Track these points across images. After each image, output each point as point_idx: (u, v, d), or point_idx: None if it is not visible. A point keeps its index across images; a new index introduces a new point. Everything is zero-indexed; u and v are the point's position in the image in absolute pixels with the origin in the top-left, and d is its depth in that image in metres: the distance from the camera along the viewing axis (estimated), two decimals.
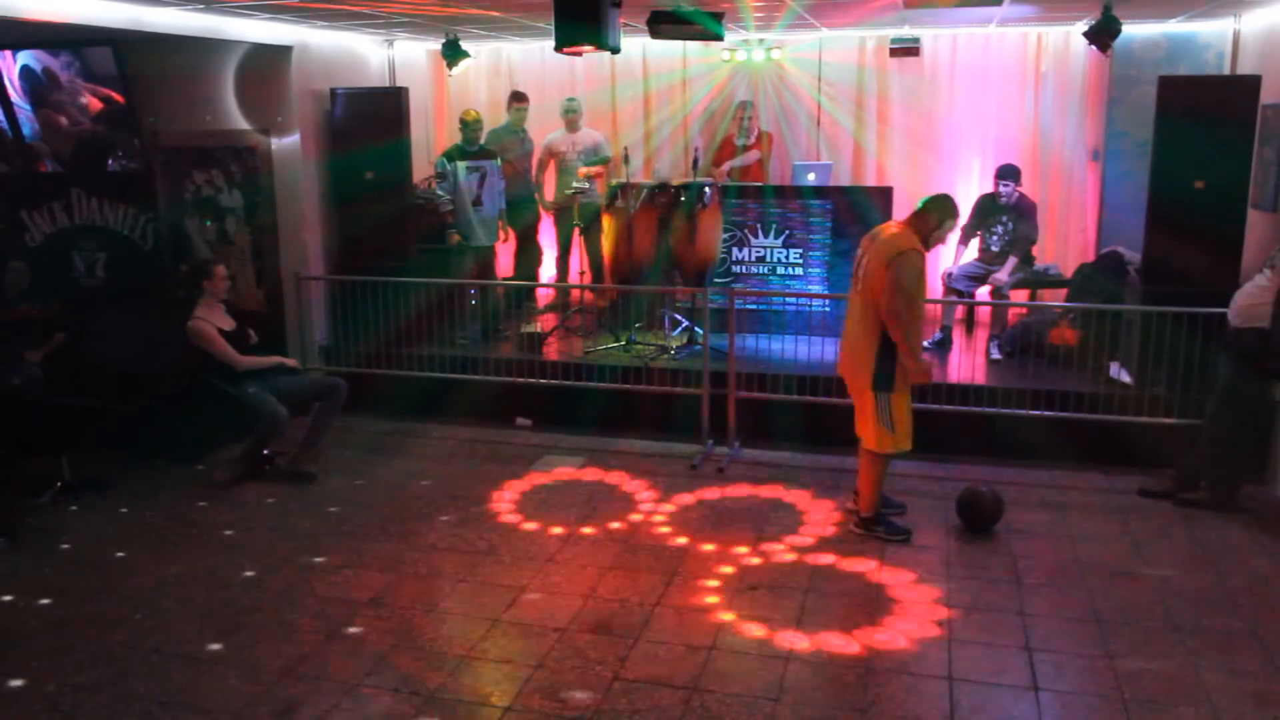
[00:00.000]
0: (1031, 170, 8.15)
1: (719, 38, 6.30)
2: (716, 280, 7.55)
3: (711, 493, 5.79)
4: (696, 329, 7.08)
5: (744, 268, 7.79)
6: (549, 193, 8.64)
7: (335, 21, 6.94)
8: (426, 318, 7.15)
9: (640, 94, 9.15)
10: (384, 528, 5.33)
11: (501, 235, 8.05)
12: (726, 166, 8.26)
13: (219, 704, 3.71)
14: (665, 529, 5.30)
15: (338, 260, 7.64)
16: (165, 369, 6.29)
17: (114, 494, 5.82)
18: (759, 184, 8.01)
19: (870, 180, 8.65)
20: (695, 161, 7.45)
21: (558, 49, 5.31)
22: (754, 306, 7.66)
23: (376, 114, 7.44)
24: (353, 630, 4.24)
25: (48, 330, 6.40)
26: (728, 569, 4.81)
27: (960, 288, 7.43)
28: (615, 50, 5.29)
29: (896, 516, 5.27)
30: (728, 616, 4.34)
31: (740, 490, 5.83)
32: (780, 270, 7.72)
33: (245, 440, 6.04)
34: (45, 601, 4.53)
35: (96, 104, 6.75)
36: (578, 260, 8.44)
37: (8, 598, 4.57)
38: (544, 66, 9.14)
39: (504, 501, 5.69)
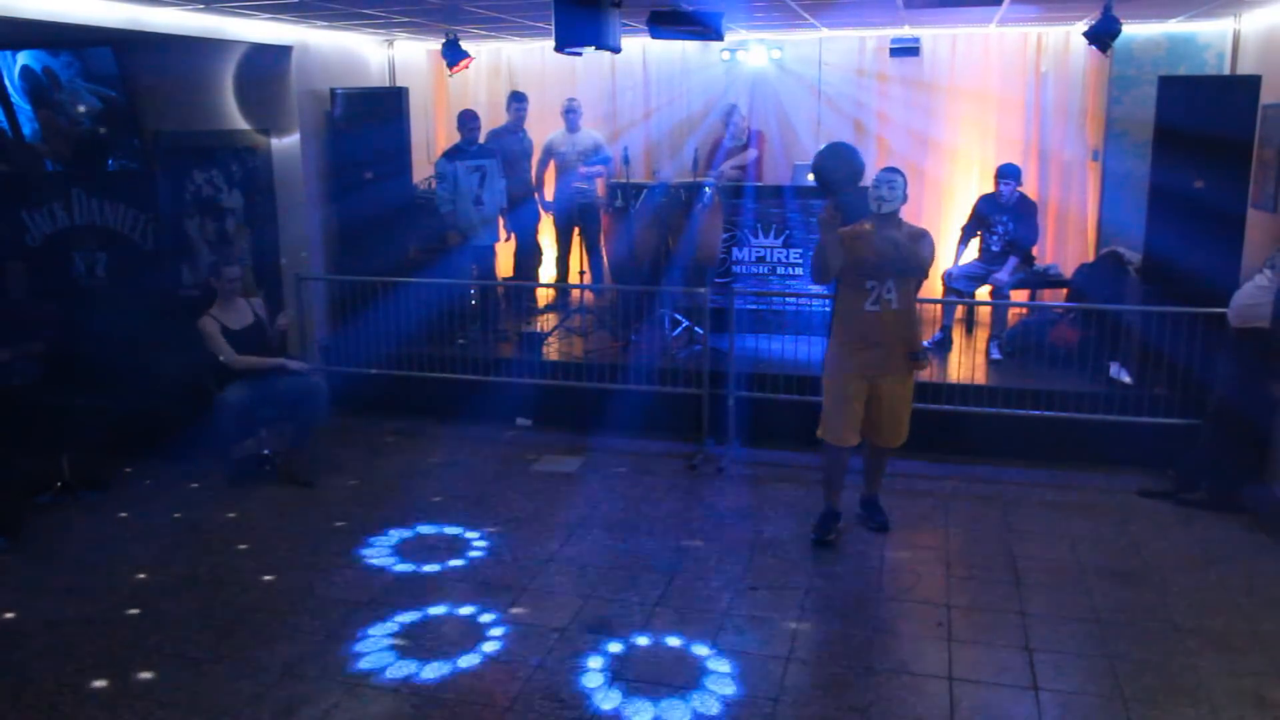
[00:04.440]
0: (1031, 170, 8.15)
1: (719, 37, 6.30)
2: (716, 280, 7.55)
3: (711, 493, 5.80)
4: (696, 329, 7.08)
5: (744, 268, 7.79)
6: (549, 193, 8.64)
7: (335, 21, 6.94)
8: (426, 318, 7.15)
9: (640, 94, 9.15)
10: (384, 528, 5.33)
11: (502, 234, 8.05)
12: (729, 166, 8.24)
13: (219, 704, 3.71)
14: (664, 529, 5.30)
15: (338, 260, 7.64)
16: (165, 369, 6.29)
17: (114, 494, 5.82)
18: (757, 184, 8.01)
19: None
20: (695, 161, 7.45)
21: (558, 49, 5.31)
22: (754, 306, 7.66)
23: (376, 114, 7.43)
24: (352, 630, 4.24)
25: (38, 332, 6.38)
26: (728, 568, 4.81)
27: (960, 288, 7.43)
28: (615, 50, 5.30)
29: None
30: (728, 616, 4.34)
31: (740, 490, 5.83)
32: (780, 270, 7.72)
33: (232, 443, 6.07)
34: (45, 601, 4.53)
35: (96, 104, 6.76)
36: (578, 260, 8.45)
37: (8, 598, 4.57)
38: (544, 66, 9.13)
39: (504, 501, 5.69)
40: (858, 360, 4.87)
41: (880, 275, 4.78)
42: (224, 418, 5.82)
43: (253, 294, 6.24)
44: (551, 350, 7.41)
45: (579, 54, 5.56)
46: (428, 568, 4.85)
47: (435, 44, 8.49)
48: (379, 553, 5.03)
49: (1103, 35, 6.26)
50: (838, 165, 4.81)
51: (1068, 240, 8.39)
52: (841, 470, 5.10)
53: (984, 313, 7.75)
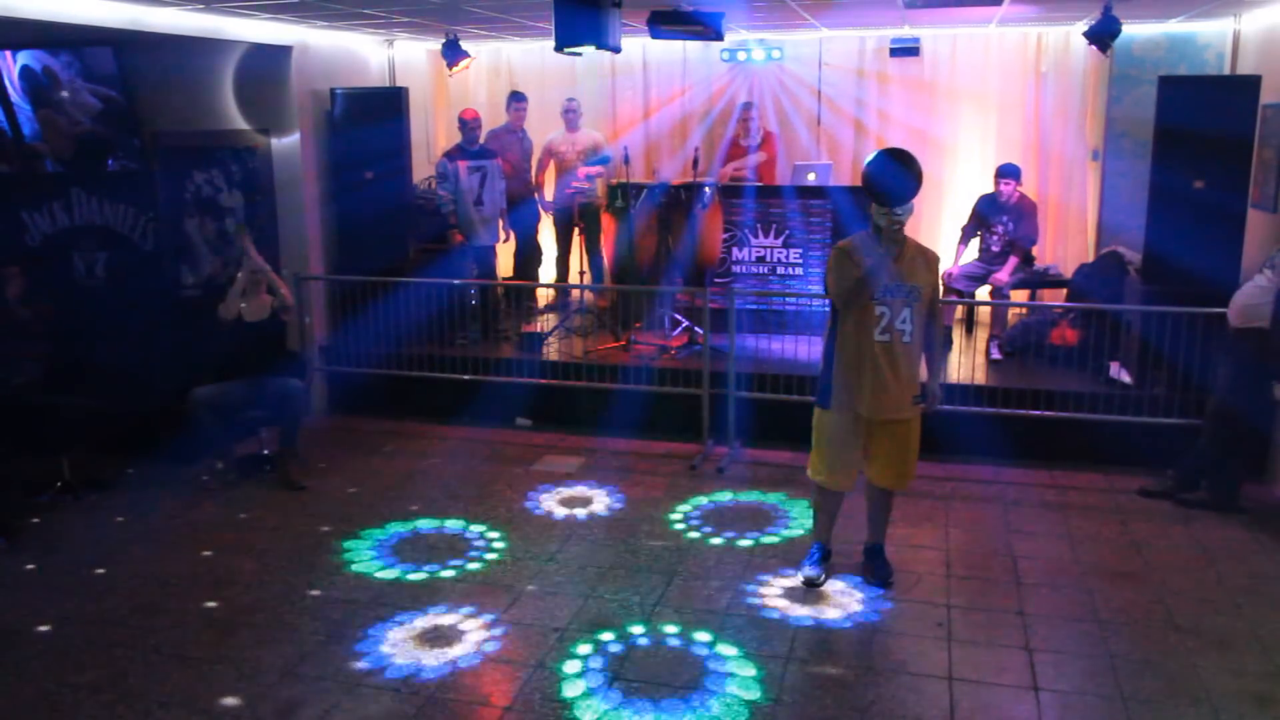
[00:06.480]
0: (1032, 170, 8.15)
1: (719, 37, 6.30)
2: (716, 280, 7.55)
3: (712, 493, 5.79)
4: (696, 329, 7.08)
5: (744, 268, 7.79)
6: (549, 193, 8.65)
7: (335, 21, 6.94)
8: (426, 318, 7.15)
9: (640, 94, 9.16)
10: (384, 528, 5.33)
11: (502, 235, 8.06)
12: (732, 167, 8.24)
13: (219, 704, 3.71)
14: (665, 529, 5.30)
15: (337, 260, 7.64)
16: (165, 369, 6.29)
17: (114, 494, 5.82)
18: (757, 184, 8.01)
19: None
20: (695, 161, 7.45)
21: (558, 49, 5.31)
22: (754, 306, 7.66)
23: (376, 114, 7.43)
24: (352, 630, 4.24)
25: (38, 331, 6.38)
26: (728, 569, 4.81)
27: (960, 288, 7.43)
28: (615, 50, 5.30)
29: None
30: (728, 616, 4.34)
31: (740, 490, 5.83)
32: (780, 270, 7.72)
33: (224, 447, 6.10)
34: (45, 601, 4.52)
35: (96, 104, 6.76)
36: (578, 260, 8.44)
37: (8, 598, 4.57)
38: (544, 66, 9.13)
39: (504, 502, 5.69)
40: (860, 398, 4.37)
41: (893, 301, 4.32)
42: (199, 415, 5.84)
43: (285, 304, 6.14)
44: (551, 350, 7.41)
45: (579, 54, 5.56)
46: (428, 567, 4.85)
47: (435, 44, 8.49)
48: (379, 553, 5.03)
49: (1103, 35, 6.26)
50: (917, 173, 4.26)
51: (1068, 240, 8.39)
52: (835, 508, 4.72)
53: (984, 313, 7.75)
